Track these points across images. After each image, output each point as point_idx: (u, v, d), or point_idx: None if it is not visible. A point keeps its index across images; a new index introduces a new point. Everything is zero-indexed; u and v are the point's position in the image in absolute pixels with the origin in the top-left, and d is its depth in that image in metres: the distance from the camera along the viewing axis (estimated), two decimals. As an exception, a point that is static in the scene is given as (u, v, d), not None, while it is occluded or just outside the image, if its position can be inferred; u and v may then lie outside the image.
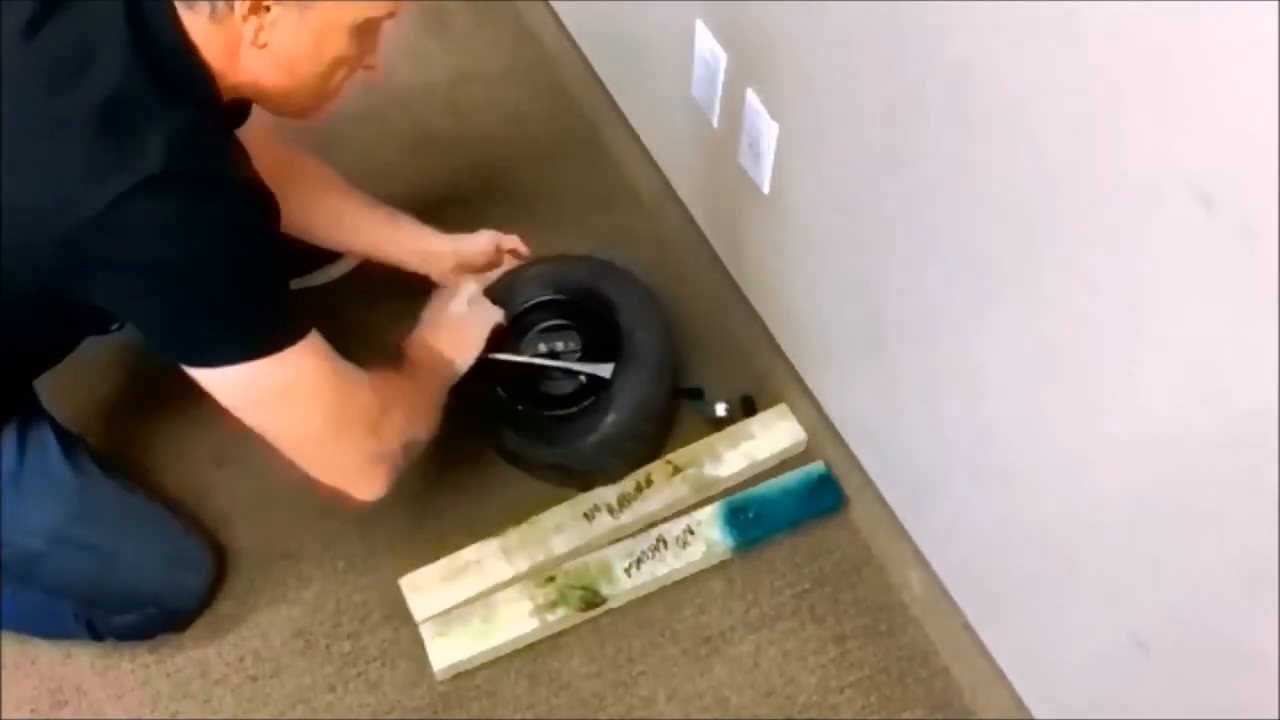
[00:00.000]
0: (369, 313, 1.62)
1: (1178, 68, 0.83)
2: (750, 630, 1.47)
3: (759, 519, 1.53)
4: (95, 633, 1.40)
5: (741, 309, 1.69)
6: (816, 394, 1.58)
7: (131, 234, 1.02)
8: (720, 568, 1.52)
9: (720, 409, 1.61)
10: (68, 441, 1.36)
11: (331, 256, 1.66)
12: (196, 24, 1.07)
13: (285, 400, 1.17)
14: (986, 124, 1.05)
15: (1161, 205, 0.88)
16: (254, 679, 1.42)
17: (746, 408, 1.63)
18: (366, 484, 1.26)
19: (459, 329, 1.46)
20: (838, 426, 1.55)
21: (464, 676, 1.43)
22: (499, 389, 1.51)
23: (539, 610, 1.44)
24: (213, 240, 1.05)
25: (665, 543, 1.50)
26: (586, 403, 1.51)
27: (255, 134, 1.24)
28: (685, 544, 1.50)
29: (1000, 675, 1.36)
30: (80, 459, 1.36)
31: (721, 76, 1.50)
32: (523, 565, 1.47)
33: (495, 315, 1.49)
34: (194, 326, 1.11)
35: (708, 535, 1.51)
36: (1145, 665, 1.11)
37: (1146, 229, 0.91)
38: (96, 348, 1.37)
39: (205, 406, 1.58)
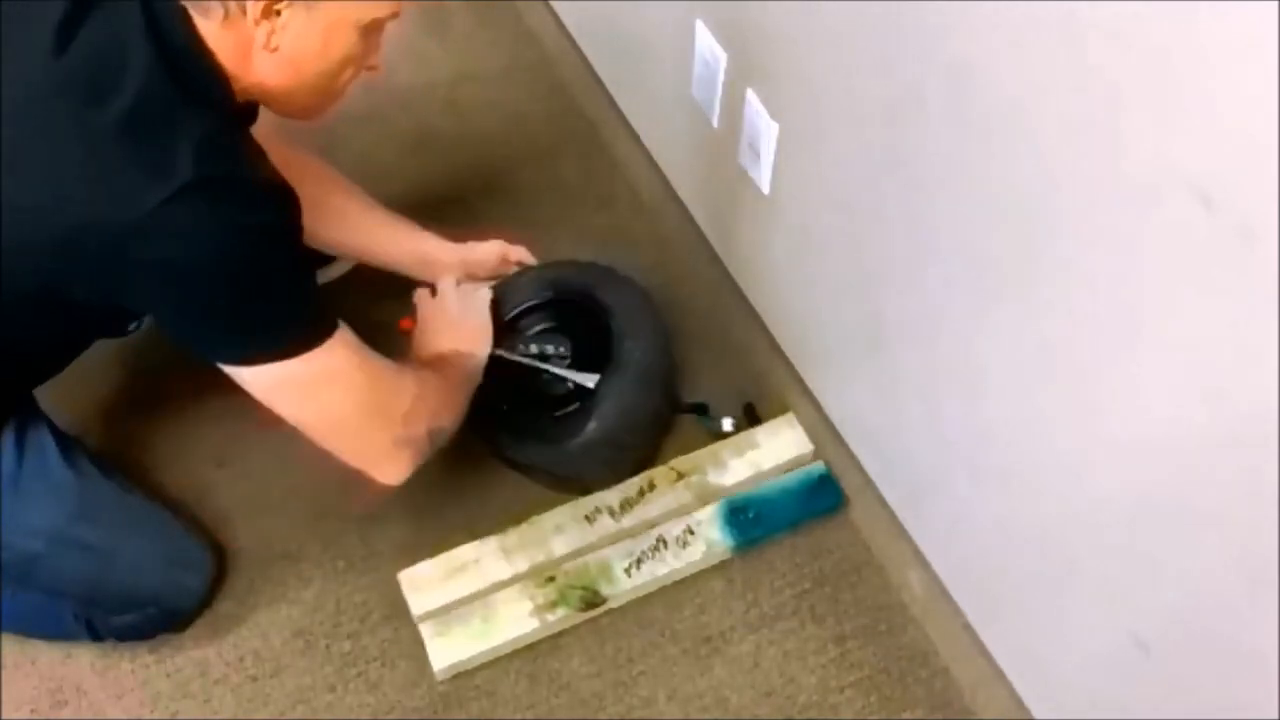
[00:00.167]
0: (370, 313, 1.62)
1: (1178, 68, 0.83)
2: (750, 630, 1.47)
3: (759, 519, 1.53)
4: (95, 633, 1.40)
5: (741, 309, 1.69)
6: (816, 394, 1.58)
7: (166, 241, 1.05)
8: (720, 568, 1.52)
9: (727, 424, 1.61)
10: (66, 443, 1.36)
11: (327, 259, 1.66)
12: (209, 28, 1.08)
13: (317, 392, 1.21)
14: (986, 124, 1.05)
15: (1161, 205, 0.88)
16: (254, 679, 1.42)
17: (749, 416, 1.63)
18: (391, 468, 1.29)
19: (463, 323, 1.48)
20: (838, 426, 1.55)
21: (464, 676, 1.43)
22: (489, 387, 1.51)
23: (539, 610, 1.44)
24: (243, 243, 1.08)
25: (665, 543, 1.50)
26: (570, 409, 1.51)
27: (260, 134, 1.24)
28: (685, 544, 1.50)
29: (1000, 675, 1.36)
30: (79, 460, 1.36)
31: (721, 76, 1.50)
32: (522, 565, 1.47)
33: (485, 295, 1.52)
34: (228, 327, 1.15)
35: (708, 535, 1.51)
36: (1145, 665, 1.11)
37: (1146, 229, 0.91)
38: (96, 348, 1.37)
39: (205, 406, 1.59)
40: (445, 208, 1.82)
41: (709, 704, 1.42)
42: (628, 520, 1.51)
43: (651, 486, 1.54)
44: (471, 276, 1.58)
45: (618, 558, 1.49)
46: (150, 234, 1.04)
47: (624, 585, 1.47)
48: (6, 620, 1.40)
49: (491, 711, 1.41)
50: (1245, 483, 0.90)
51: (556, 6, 2.04)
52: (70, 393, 1.46)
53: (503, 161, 1.92)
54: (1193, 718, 1.07)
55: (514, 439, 1.53)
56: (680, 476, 1.56)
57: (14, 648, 1.42)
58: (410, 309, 1.51)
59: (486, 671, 1.43)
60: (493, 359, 1.48)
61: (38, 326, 1.21)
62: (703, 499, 1.54)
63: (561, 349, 1.54)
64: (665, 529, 1.51)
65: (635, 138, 1.87)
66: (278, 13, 1.08)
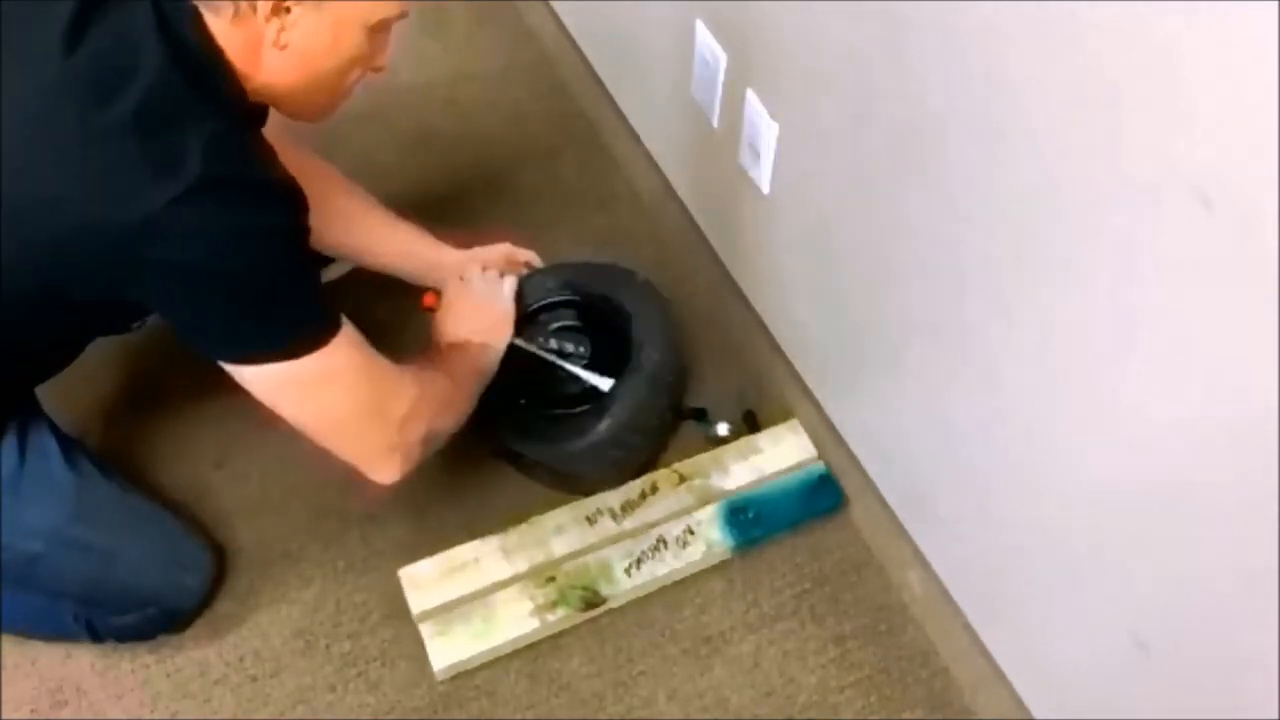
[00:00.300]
0: (372, 312, 1.62)
1: (1178, 67, 0.83)
2: (750, 630, 1.47)
3: (759, 519, 1.53)
4: (95, 633, 1.40)
5: (741, 309, 1.69)
6: (816, 394, 1.58)
7: (173, 240, 1.05)
8: (720, 568, 1.52)
9: (722, 428, 1.61)
10: (67, 444, 1.36)
11: (328, 259, 1.66)
12: (219, 25, 1.09)
13: (317, 392, 1.21)
14: (987, 124, 1.05)
15: (1161, 205, 0.88)
16: (254, 679, 1.42)
17: (749, 423, 1.63)
18: (384, 470, 1.29)
19: (487, 309, 1.49)
20: (838, 427, 1.55)
21: (464, 676, 1.43)
22: (503, 377, 1.51)
23: (539, 610, 1.44)
24: (250, 244, 1.09)
25: (665, 543, 1.50)
26: (578, 409, 1.51)
27: (265, 135, 1.25)
28: (685, 544, 1.50)
29: (1000, 675, 1.36)
30: (79, 461, 1.36)
31: (721, 76, 1.50)
32: (522, 565, 1.47)
33: (511, 284, 1.53)
34: (232, 327, 1.15)
35: (708, 535, 1.51)
36: (1145, 665, 1.11)
37: (1146, 229, 0.91)
38: (97, 348, 1.37)
39: (205, 407, 1.59)
40: (445, 208, 1.82)
41: (709, 704, 1.42)
42: (629, 522, 1.51)
43: (654, 489, 1.54)
44: None
45: (618, 558, 1.49)
46: (158, 233, 1.04)
47: (624, 585, 1.47)
48: (6, 620, 1.40)
49: (491, 711, 1.41)
50: (1245, 483, 0.90)
51: (556, 6, 2.04)
52: (71, 393, 1.47)
53: (503, 161, 1.92)
54: (1192, 718, 1.07)
55: (520, 435, 1.53)
56: (682, 480, 1.56)
57: (14, 648, 1.42)
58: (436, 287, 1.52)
59: (486, 671, 1.43)
60: (511, 348, 1.49)
61: (39, 326, 1.22)
62: (704, 502, 1.54)
63: (581, 348, 1.55)
64: (665, 529, 1.51)
65: (635, 138, 1.87)
66: (287, 10, 1.09)
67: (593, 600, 1.46)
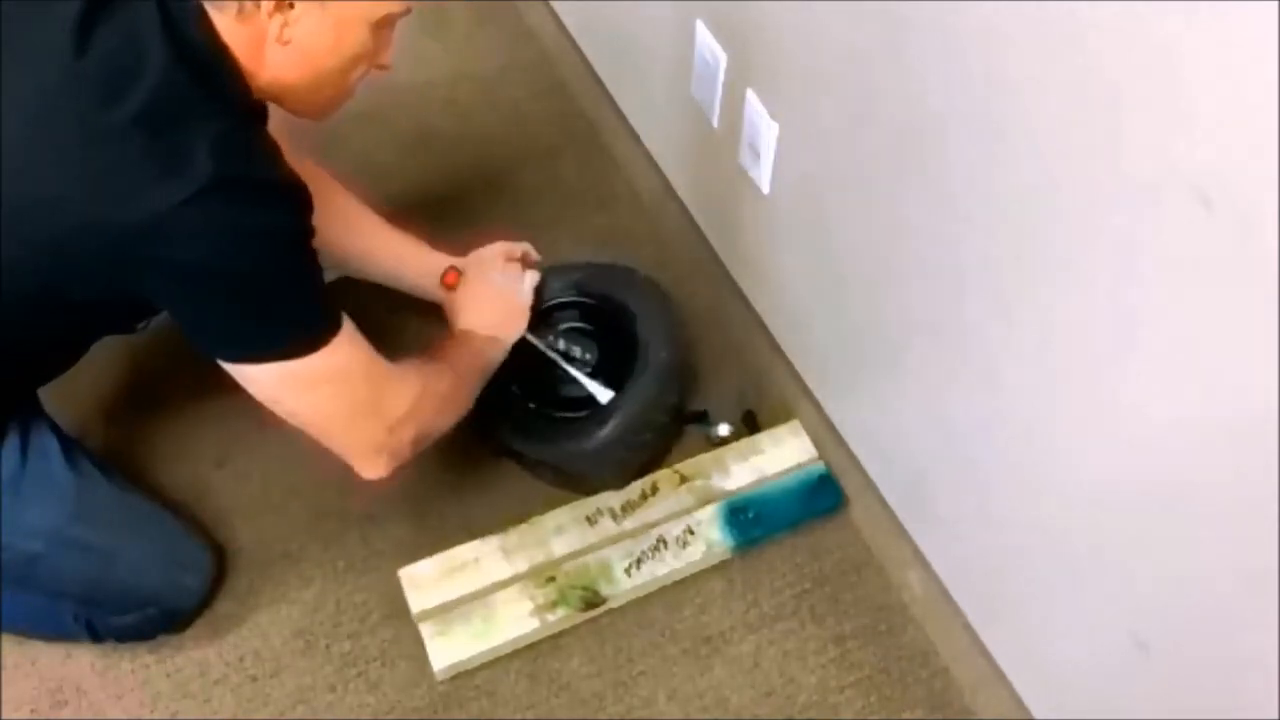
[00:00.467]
0: (370, 312, 1.62)
1: (1178, 67, 0.83)
2: (750, 630, 1.47)
3: (759, 519, 1.53)
4: (95, 633, 1.40)
5: (741, 309, 1.69)
6: (817, 394, 1.58)
7: (181, 240, 1.05)
8: (720, 568, 1.52)
9: (723, 430, 1.61)
10: (68, 445, 1.36)
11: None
12: (224, 22, 1.09)
13: (312, 391, 1.22)
14: (987, 124, 1.05)
15: (1161, 205, 0.88)
16: (254, 679, 1.42)
17: (749, 423, 1.63)
18: (369, 469, 1.30)
19: (504, 300, 1.50)
20: (838, 427, 1.55)
21: (464, 676, 1.43)
22: (508, 369, 1.51)
23: (539, 610, 1.44)
24: (255, 244, 1.09)
25: (665, 543, 1.50)
26: (577, 414, 1.51)
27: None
28: (685, 544, 1.50)
29: (1000, 675, 1.36)
30: (80, 461, 1.36)
31: (721, 76, 1.50)
32: (522, 565, 1.47)
33: (533, 278, 1.53)
34: (234, 326, 1.16)
35: (708, 535, 1.51)
36: (1145, 665, 1.11)
37: (1146, 229, 0.91)
38: (98, 348, 1.37)
39: (205, 406, 1.59)
40: (445, 208, 1.82)
41: (709, 704, 1.42)
42: (629, 523, 1.51)
43: (654, 490, 1.54)
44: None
45: (618, 558, 1.49)
46: (164, 234, 1.04)
47: (624, 585, 1.47)
48: (6, 620, 1.40)
49: (491, 711, 1.41)
50: (1245, 483, 0.90)
51: (556, 6, 2.04)
52: (71, 393, 1.47)
53: (503, 161, 1.92)
54: (1192, 718, 1.07)
55: (527, 435, 1.53)
56: (683, 480, 1.56)
57: (14, 648, 1.42)
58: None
59: (486, 671, 1.43)
60: (520, 342, 1.49)
61: (40, 326, 1.21)
62: (704, 503, 1.54)
63: (587, 355, 1.55)
64: (665, 529, 1.51)
65: (635, 138, 1.87)
66: (290, 5, 1.09)
67: (593, 600, 1.46)
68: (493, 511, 1.53)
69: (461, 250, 1.61)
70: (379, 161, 1.88)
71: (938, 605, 1.43)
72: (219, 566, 1.47)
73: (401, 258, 1.58)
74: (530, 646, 1.45)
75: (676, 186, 1.80)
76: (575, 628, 1.46)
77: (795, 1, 1.27)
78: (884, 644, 1.47)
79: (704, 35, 1.51)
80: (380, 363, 1.26)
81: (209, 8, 1.08)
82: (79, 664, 1.42)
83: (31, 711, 1.38)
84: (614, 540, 1.50)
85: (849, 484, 1.56)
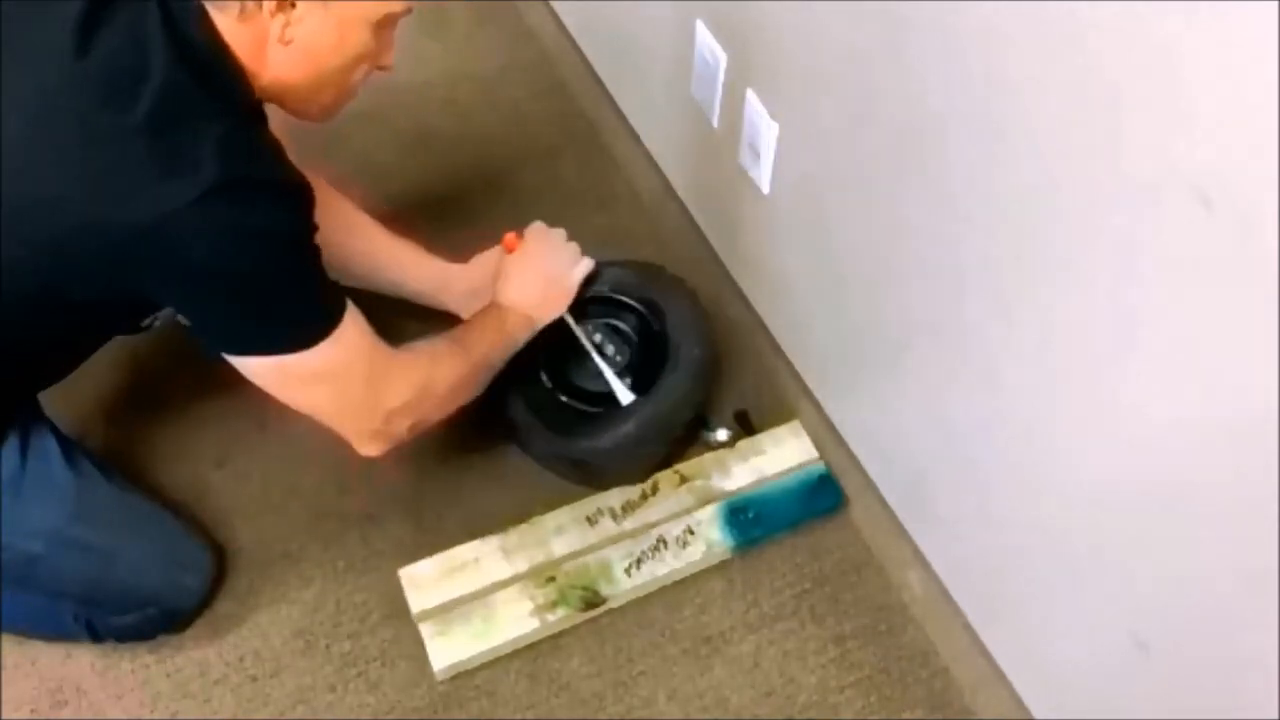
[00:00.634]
0: (368, 317, 1.62)
1: (1178, 67, 0.83)
2: (750, 630, 1.47)
3: (759, 519, 1.53)
4: (95, 633, 1.40)
5: (741, 309, 1.69)
6: (816, 394, 1.58)
7: (184, 241, 1.06)
8: (720, 568, 1.52)
9: (722, 434, 1.60)
10: (67, 445, 1.36)
11: None
12: (226, 23, 1.09)
13: (314, 382, 1.23)
14: (987, 124, 1.05)
15: (1161, 205, 0.88)
16: (254, 679, 1.42)
17: (742, 422, 1.62)
18: (364, 449, 1.32)
19: (554, 277, 1.50)
20: (838, 427, 1.55)
21: (464, 676, 1.43)
22: (536, 367, 1.51)
23: (539, 610, 1.44)
24: (259, 246, 1.10)
25: (665, 543, 1.50)
26: (599, 408, 1.51)
27: None
28: (685, 544, 1.50)
29: (1000, 675, 1.36)
30: (80, 462, 1.36)
31: (721, 76, 1.50)
32: (522, 565, 1.47)
33: (587, 265, 1.54)
34: (236, 324, 1.17)
35: (708, 535, 1.51)
36: (1145, 665, 1.11)
37: (1146, 229, 0.91)
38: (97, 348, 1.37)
39: (205, 407, 1.59)
40: (445, 208, 1.82)
41: (709, 704, 1.42)
42: (629, 523, 1.51)
43: (655, 490, 1.54)
44: (483, 292, 1.57)
45: (618, 557, 1.49)
46: (168, 235, 1.05)
47: (624, 585, 1.47)
48: (6, 620, 1.40)
49: (491, 711, 1.41)
50: (1245, 483, 0.90)
51: (556, 6, 2.04)
52: (71, 393, 1.46)
53: (503, 161, 1.92)
54: (1192, 718, 1.07)
55: (550, 426, 1.51)
56: (683, 480, 1.55)
57: (14, 648, 1.42)
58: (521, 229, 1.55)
59: (486, 671, 1.43)
60: (556, 326, 1.50)
61: (41, 327, 1.22)
62: (704, 503, 1.54)
63: (618, 356, 1.54)
64: (665, 529, 1.51)
65: (635, 138, 1.87)
66: (292, 5, 1.09)
67: (593, 600, 1.46)
68: (493, 511, 1.53)
69: (461, 255, 1.61)
70: (379, 161, 1.88)
71: (938, 605, 1.43)
72: (219, 566, 1.47)
73: (402, 265, 1.58)
74: (530, 646, 1.45)
75: (676, 186, 1.80)
76: (575, 628, 1.46)
77: (795, 1, 1.27)
78: (884, 644, 1.47)
79: (704, 35, 1.51)
80: (382, 354, 1.27)
81: (210, 8, 1.08)
82: (79, 664, 1.42)
83: (31, 711, 1.38)
84: (614, 540, 1.50)
85: (849, 484, 1.56)
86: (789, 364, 1.62)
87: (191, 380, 1.60)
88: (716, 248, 1.73)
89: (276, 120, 1.23)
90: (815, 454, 1.59)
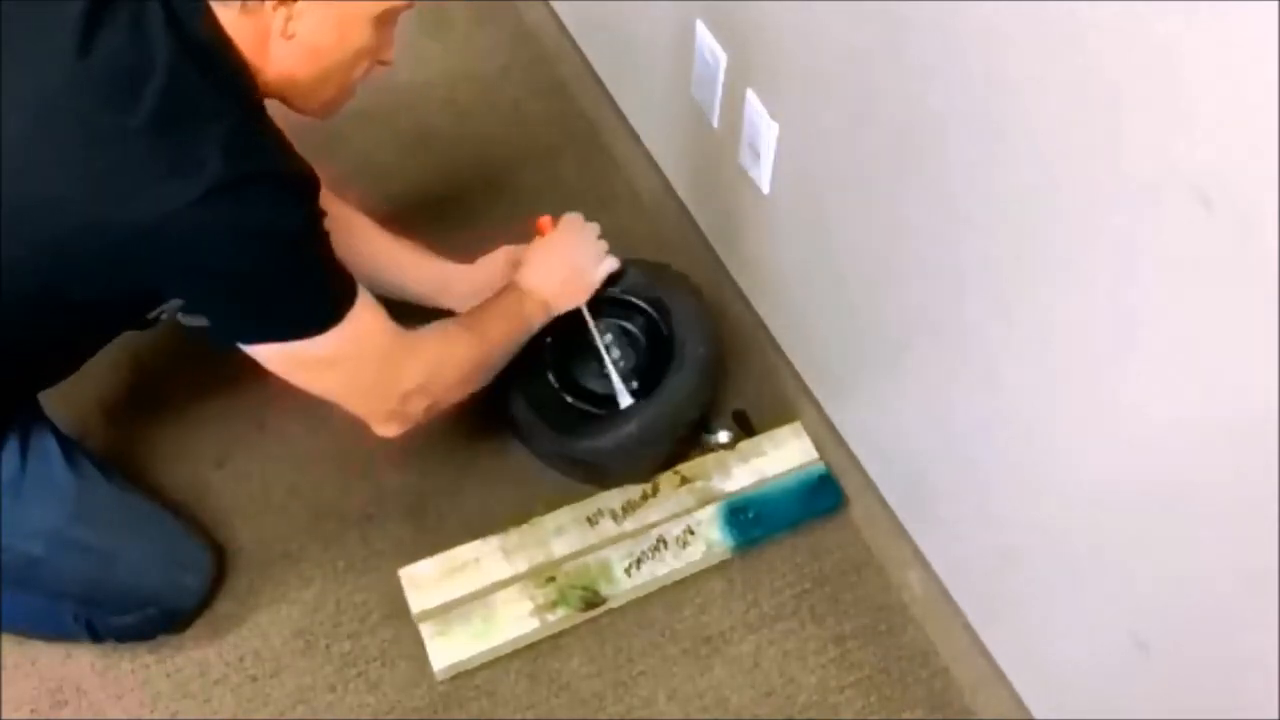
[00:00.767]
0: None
1: (1177, 67, 0.83)
2: (750, 630, 1.47)
3: (759, 519, 1.53)
4: (95, 633, 1.40)
5: (741, 309, 1.69)
6: (816, 394, 1.58)
7: (190, 238, 1.07)
8: (720, 568, 1.52)
9: (722, 436, 1.60)
10: (68, 446, 1.36)
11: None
12: (228, 17, 1.10)
13: (326, 367, 1.24)
14: (987, 124, 1.05)
15: (1161, 205, 0.88)
16: (254, 679, 1.42)
17: (741, 423, 1.62)
18: (381, 430, 1.33)
19: (578, 270, 1.50)
20: (838, 427, 1.55)
21: (464, 676, 1.43)
22: (542, 367, 1.50)
23: (539, 610, 1.44)
24: (266, 242, 1.10)
25: (665, 543, 1.50)
26: (600, 408, 1.51)
27: None
28: (685, 544, 1.50)
29: (1000, 675, 1.36)
30: (80, 462, 1.36)
31: (721, 76, 1.50)
32: (522, 565, 1.47)
33: (612, 264, 1.53)
34: (252, 315, 1.18)
35: (708, 535, 1.51)
36: (1145, 665, 1.11)
37: (1146, 229, 0.91)
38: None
39: (205, 407, 1.59)
40: (445, 208, 1.82)
41: (709, 704, 1.42)
42: (629, 523, 1.51)
43: (655, 491, 1.54)
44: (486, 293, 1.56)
45: (618, 558, 1.49)
46: (174, 233, 1.05)
47: (624, 585, 1.47)
48: (6, 620, 1.40)
49: (491, 711, 1.41)
50: (1245, 483, 0.90)
51: (556, 6, 2.04)
52: (71, 393, 1.46)
53: (503, 161, 1.92)
54: (1192, 718, 1.07)
55: (556, 426, 1.51)
56: (684, 481, 1.55)
57: (14, 648, 1.42)
58: (556, 215, 1.55)
59: (486, 671, 1.43)
60: (567, 322, 1.50)
61: (44, 328, 1.21)
62: (704, 504, 1.54)
63: (622, 361, 1.54)
64: (665, 529, 1.51)
65: (635, 138, 1.87)
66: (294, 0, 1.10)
67: (593, 600, 1.46)
68: (493, 512, 1.53)
69: (462, 256, 1.61)
70: (379, 161, 1.88)
71: (938, 605, 1.43)
72: (219, 566, 1.47)
73: (403, 266, 1.58)
74: (530, 646, 1.45)
75: (676, 186, 1.80)
76: (575, 628, 1.46)
77: (795, 1, 1.27)
78: (884, 644, 1.47)
79: (704, 35, 1.51)
80: (395, 336, 1.27)
81: (213, 3, 1.09)
82: (79, 664, 1.42)
83: (31, 711, 1.38)
84: (614, 541, 1.50)
85: (849, 484, 1.56)
86: (789, 364, 1.62)
87: (191, 380, 1.60)
88: (716, 248, 1.73)
89: (277, 119, 1.23)
90: (816, 454, 1.59)
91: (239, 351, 1.20)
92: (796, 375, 1.61)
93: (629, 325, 1.57)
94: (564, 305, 1.50)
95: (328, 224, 1.19)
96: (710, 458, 1.58)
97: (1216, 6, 0.77)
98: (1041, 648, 1.29)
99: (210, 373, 1.60)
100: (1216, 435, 0.93)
